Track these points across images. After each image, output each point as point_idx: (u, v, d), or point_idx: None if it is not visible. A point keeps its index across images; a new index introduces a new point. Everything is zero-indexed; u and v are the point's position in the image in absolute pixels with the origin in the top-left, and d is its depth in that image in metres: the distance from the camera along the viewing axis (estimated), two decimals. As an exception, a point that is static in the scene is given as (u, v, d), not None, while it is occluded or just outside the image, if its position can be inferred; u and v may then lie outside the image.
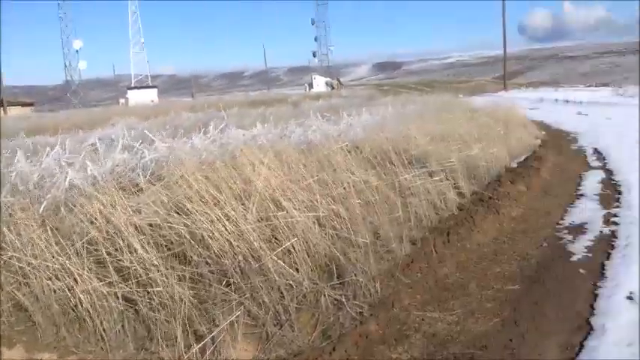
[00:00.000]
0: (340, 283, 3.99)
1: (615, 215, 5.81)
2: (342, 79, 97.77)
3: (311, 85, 68.68)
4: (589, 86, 50.92)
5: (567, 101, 24.20)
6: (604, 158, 9.41)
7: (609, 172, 8.15)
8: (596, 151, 10.34)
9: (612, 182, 7.49)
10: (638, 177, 7.23)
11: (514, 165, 8.34)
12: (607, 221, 5.66)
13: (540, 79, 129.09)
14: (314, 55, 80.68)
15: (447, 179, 6.38)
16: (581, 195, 6.87)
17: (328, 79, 73.21)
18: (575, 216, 5.95)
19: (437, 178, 6.20)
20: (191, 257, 3.87)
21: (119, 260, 3.65)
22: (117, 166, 5.80)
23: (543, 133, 13.37)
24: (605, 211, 6.02)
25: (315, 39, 79.86)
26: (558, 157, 9.75)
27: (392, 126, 9.65)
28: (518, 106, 24.74)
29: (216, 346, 3.28)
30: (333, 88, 67.58)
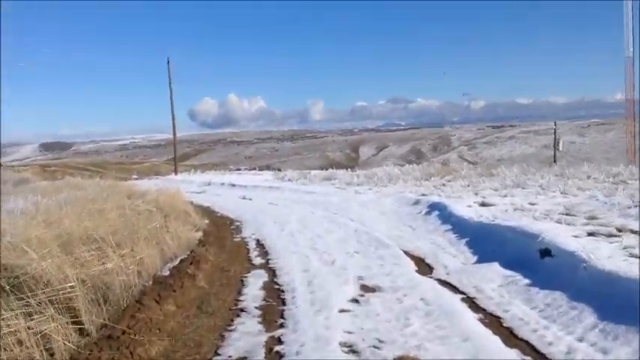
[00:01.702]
0: None
1: (280, 340, 4.70)
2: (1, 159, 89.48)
3: (-38, 166, 60.94)
4: (253, 169, 54.29)
5: (233, 185, 24.38)
6: (266, 253, 8.65)
7: (272, 272, 7.28)
8: (258, 243, 9.62)
9: (275, 287, 6.55)
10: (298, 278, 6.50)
11: (166, 272, 6.84)
12: (270, 351, 4.49)
13: (211, 161, 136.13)
14: (-36, 134, 72.00)
15: (62, 313, 4.48)
16: (242, 310, 5.66)
17: (-18, 159, 66.34)
18: (232, 347, 4.63)
19: (45, 316, 4.26)
20: None
21: None
22: None
23: (206, 221, 12.40)
24: (268, 335, 4.86)
25: (-35, 117, 71.42)
26: (220, 254, 8.65)
27: (10, 228, 7.33)
28: (186, 190, 24.06)
29: None
30: (-11, 168, 61.58)
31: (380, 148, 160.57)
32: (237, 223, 12.51)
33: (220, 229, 11.68)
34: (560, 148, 62.24)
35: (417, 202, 12.58)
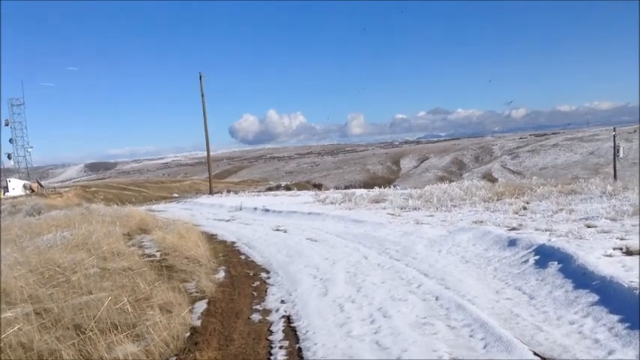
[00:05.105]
0: None
1: None
2: (45, 181, 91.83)
3: (6, 189, 63.41)
4: (293, 186, 51.28)
5: (267, 210, 21.09)
6: (300, 354, 5.20)
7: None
8: (289, 325, 6.16)
9: None
10: None
11: None
12: None
13: (251, 177, 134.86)
14: (9, 157, 73.71)
15: None
16: None
17: (27, 182, 68.02)
18: None
19: None
20: None
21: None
22: None
23: (221, 275, 9.08)
24: None
25: (11, 141, 73.11)
26: (222, 351, 5.21)
27: None
28: (214, 217, 20.91)
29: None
30: (33, 191, 64.13)
31: (421, 160, 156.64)
32: (264, 276, 9.13)
33: (237, 288, 8.25)
34: (621, 155, 57.13)
35: (512, 244, 8.91)
